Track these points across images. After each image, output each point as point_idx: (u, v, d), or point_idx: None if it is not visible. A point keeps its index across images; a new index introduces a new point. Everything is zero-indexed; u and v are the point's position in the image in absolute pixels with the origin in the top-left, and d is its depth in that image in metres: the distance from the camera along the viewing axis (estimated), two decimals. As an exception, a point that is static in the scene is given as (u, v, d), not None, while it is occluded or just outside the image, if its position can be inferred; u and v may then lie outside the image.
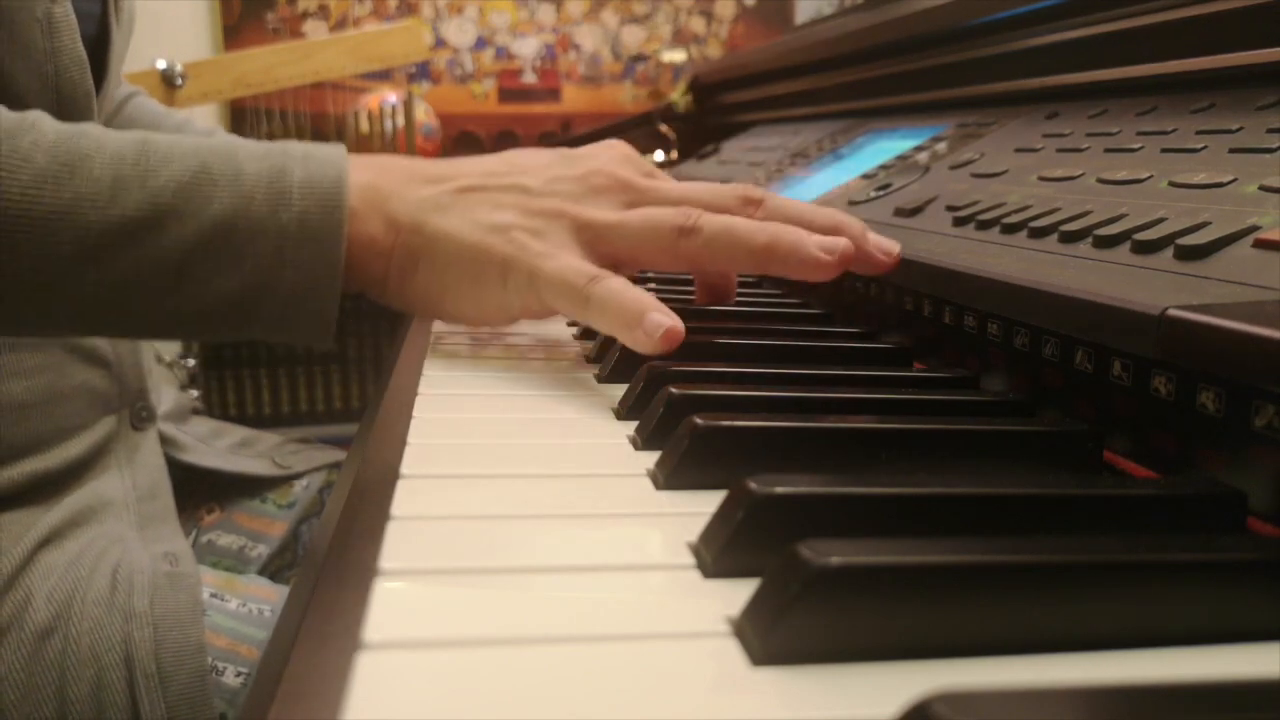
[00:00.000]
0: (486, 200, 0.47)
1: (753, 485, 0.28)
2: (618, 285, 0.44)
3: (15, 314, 0.44)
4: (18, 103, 0.61)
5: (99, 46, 0.71)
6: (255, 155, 0.46)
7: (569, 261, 0.45)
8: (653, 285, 0.71)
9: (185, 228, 0.43)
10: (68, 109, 0.64)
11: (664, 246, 0.46)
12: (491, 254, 0.45)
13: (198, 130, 0.99)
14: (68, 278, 0.43)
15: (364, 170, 0.48)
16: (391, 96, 2.06)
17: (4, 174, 0.42)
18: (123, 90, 0.94)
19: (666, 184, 0.50)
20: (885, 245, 0.49)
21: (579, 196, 0.47)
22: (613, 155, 0.51)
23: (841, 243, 0.46)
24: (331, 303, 0.46)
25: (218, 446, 0.86)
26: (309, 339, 0.47)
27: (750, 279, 0.78)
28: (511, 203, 0.47)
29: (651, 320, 0.42)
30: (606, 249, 0.47)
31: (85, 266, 0.43)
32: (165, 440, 0.78)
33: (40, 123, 0.45)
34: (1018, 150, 0.63)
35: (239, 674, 0.62)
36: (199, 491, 0.84)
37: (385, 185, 0.47)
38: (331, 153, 0.48)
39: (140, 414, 0.74)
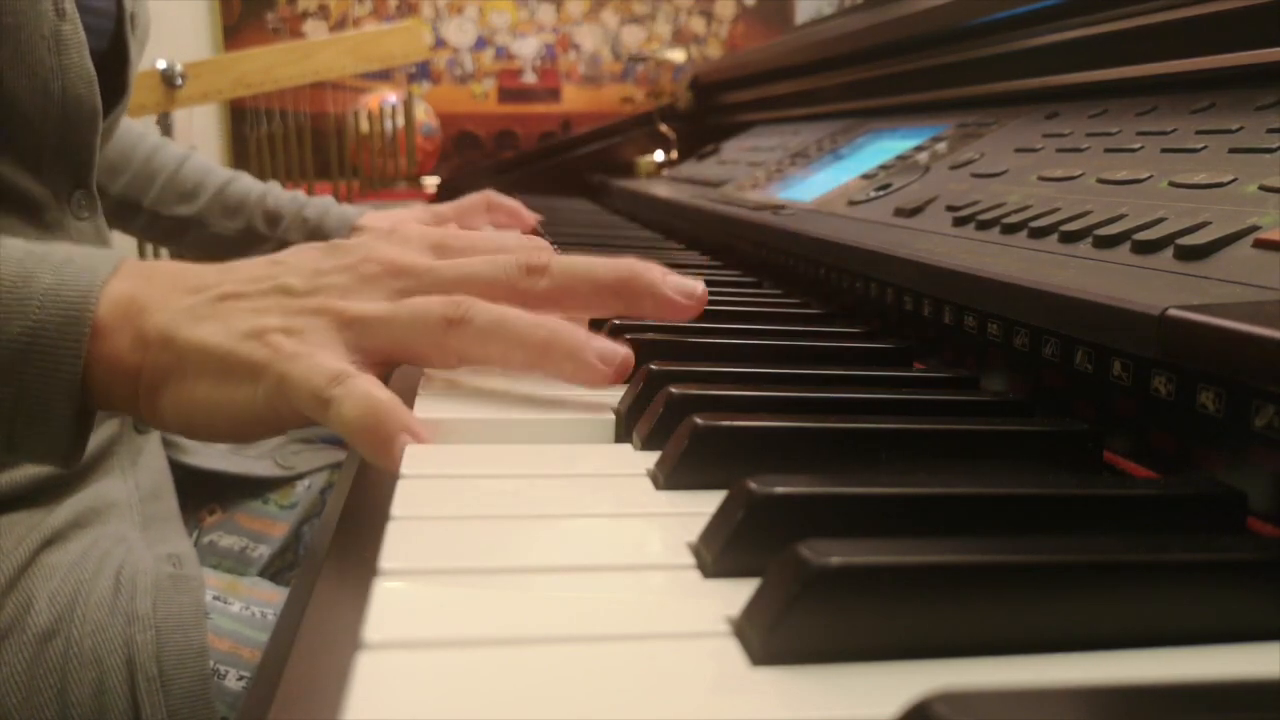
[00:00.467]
0: (246, 305, 0.42)
1: (753, 485, 0.28)
2: (362, 388, 0.37)
3: None
4: (23, 121, 0.61)
5: (114, 60, 0.71)
6: (12, 259, 0.42)
7: (319, 361, 0.39)
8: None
9: None
10: (73, 127, 0.65)
11: (434, 341, 0.41)
12: (241, 360, 0.40)
13: (173, 154, 0.99)
14: None
15: (127, 280, 0.43)
16: (391, 96, 2.06)
17: None
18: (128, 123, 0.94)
19: (448, 264, 0.45)
20: (686, 288, 0.45)
21: (346, 289, 0.43)
22: (398, 236, 0.46)
23: (621, 353, 0.42)
24: (65, 426, 0.42)
25: (220, 448, 0.86)
26: (48, 461, 0.43)
27: (750, 279, 0.78)
28: (272, 305, 0.42)
29: (395, 423, 0.37)
30: (373, 344, 0.41)
31: None
32: (168, 443, 0.79)
33: None
34: (1018, 150, 0.63)
35: (241, 677, 0.62)
36: (201, 493, 0.84)
37: (144, 297, 0.42)
38: (95, 260, 0.43)
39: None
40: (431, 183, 2.02)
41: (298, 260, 0.45)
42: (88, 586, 0.61)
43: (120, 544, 0.66)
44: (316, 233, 0.97)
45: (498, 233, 0.69)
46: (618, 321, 0.55)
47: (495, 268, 0.44)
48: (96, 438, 0.69)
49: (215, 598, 0.66)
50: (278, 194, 1.00)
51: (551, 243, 0.90)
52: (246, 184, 1.00)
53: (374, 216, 0.99)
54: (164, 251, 1.55)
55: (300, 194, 1.03)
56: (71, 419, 0.42)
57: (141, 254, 1.87)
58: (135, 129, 1.01)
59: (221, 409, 0.41)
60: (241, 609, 0.66)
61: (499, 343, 0.41)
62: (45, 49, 0.61)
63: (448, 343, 0.41)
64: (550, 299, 0.44)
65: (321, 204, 1.01)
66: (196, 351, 0.41)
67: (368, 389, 0.37)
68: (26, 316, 0.41)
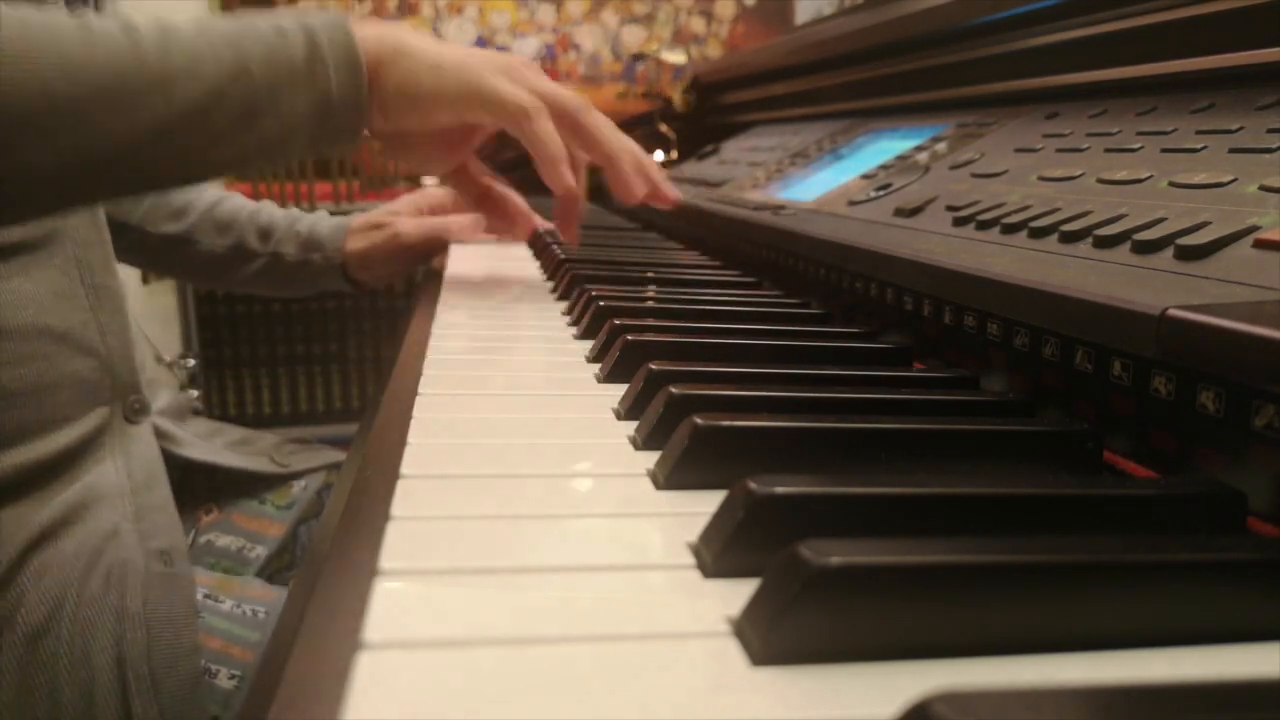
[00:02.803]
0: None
1: (753, 485, 0.28)
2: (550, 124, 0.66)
3: (142, 163, 0.54)
4: None
5: None
6: (282, 16, 0.59)
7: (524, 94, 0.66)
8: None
9: (272, 66, 0.56)
10: None
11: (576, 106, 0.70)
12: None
13: None
14: (199, 117, 0.54)
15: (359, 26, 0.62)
16: (391, 96, 2.06)
17: (132, 48, 0.52)
18: None
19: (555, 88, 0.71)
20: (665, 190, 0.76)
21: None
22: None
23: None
24: (365, 105, 0.60)
25: (215, 444, 0.86)
26: (353, 137, 0.61)
27: (750, 279, 0.78)
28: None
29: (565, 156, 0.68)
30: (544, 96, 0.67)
31: (215, 107, 0.54)
32: (162, 435, 0.78)
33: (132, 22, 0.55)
34: (1018, 150, 0.63)
35: (232, 676, 0.62)
36: (197, 490, 0.83)
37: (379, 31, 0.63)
38: (331, 18, 0.61)
39: (133, 406, 0.74)
40: (431, 183, 2.02)
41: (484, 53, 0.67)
42: (79, 585, 0.61)
43: (111, 540, 0.66)
44: (310, 243, 0.97)
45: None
46: (618, 322, 0.55)
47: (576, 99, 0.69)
48: (83, 426, 0.69)
49: (207, 596, 0.65)
50: (270, 210, 1.00)
51: (551, 244, 0.90)
52: (238, 201, 1.00)
53: (363, 217, 1.00)
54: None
55: (294, 210, 1.03)
56: (365, 100, 0.60)
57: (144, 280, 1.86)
58: None
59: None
60: (233, 607, 0.66)
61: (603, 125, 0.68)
62: None
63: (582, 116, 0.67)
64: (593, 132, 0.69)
65: (314, 216, 1.01)
66: (423, 52, 0.63)
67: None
68: (321, 50, 0.58)
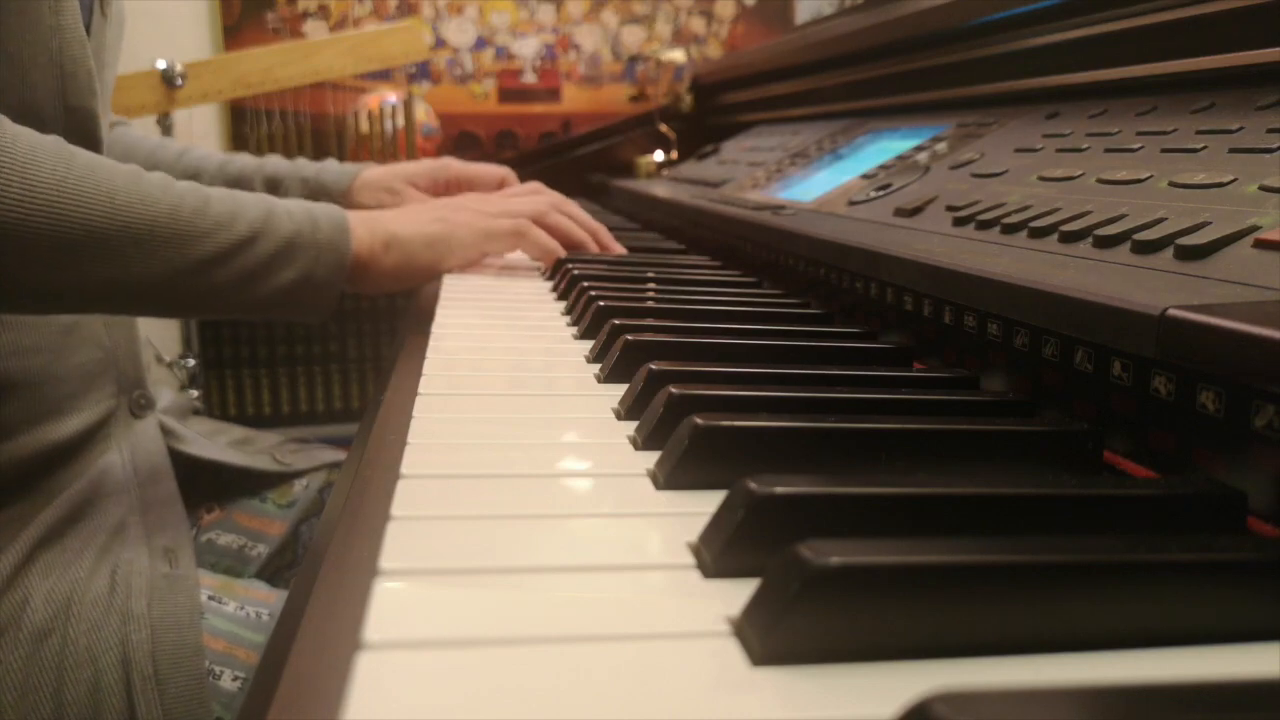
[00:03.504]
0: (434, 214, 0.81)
1: (753, 485, 0.28)
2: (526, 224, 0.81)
3: (150, 297, 0.62)
4: (24, 75, 0.62)
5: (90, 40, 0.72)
6: (289, 202, 0.69)
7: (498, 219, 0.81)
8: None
9: (270, 243, 0.65)
10: (71, 84, 0.65)
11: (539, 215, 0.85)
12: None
13: (173, 148, 1.00)
14: (198, 275, 0.62)
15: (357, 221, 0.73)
16: (391, 96, 2.06)
17: (169, 204, 0.61)
18: (110, 119, 0.94)
19: (523, 199, 0.88)
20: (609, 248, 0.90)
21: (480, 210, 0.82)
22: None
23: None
24: (340, 288, 0.70)
25: (218, 443, 0.86)
26: (321, 316, 0.70)
27: (750, 279, 0.78)
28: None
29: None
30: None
31: (213, 268, 0.62)
32: (166, 432, 0.79)
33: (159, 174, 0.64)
34: (1018, 150, 0.63)
35: (236, 677, 0.62)
36: (200, 489, 0.83)
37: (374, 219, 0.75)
38: (326, 205, 0.72)
39: (139, 401, 0.74)
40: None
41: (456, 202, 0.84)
42: (83, 585, 0.61)
43: (117, 536, 0.66)
44: (317, 189, 0.98)
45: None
46: (618, 322, 0.55)
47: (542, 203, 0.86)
48: (89, 416, 0.70)
49: (210, 598, 0.65)
50: (275, 162, 1.01)
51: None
52: (244, 159, 1.01)
53: (376, 173, 0.99)
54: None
55: (300, 159, 1.03)
56: (341, 286, 0.69)
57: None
58: (134, 131, 1.01)
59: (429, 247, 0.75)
60: (236, 609, 0.66)
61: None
62: (46, 8, 0.64)
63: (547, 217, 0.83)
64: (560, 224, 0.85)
65: (318, 164, 1.01)
66: (413, 236, 0.74)
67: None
68: (319, 229, 0.68)
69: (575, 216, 0.87)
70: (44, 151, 0.57)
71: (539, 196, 0.88)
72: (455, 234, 0.77)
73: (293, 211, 0.68)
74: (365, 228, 0.72)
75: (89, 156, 0.59)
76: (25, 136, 0.57)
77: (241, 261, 0.64)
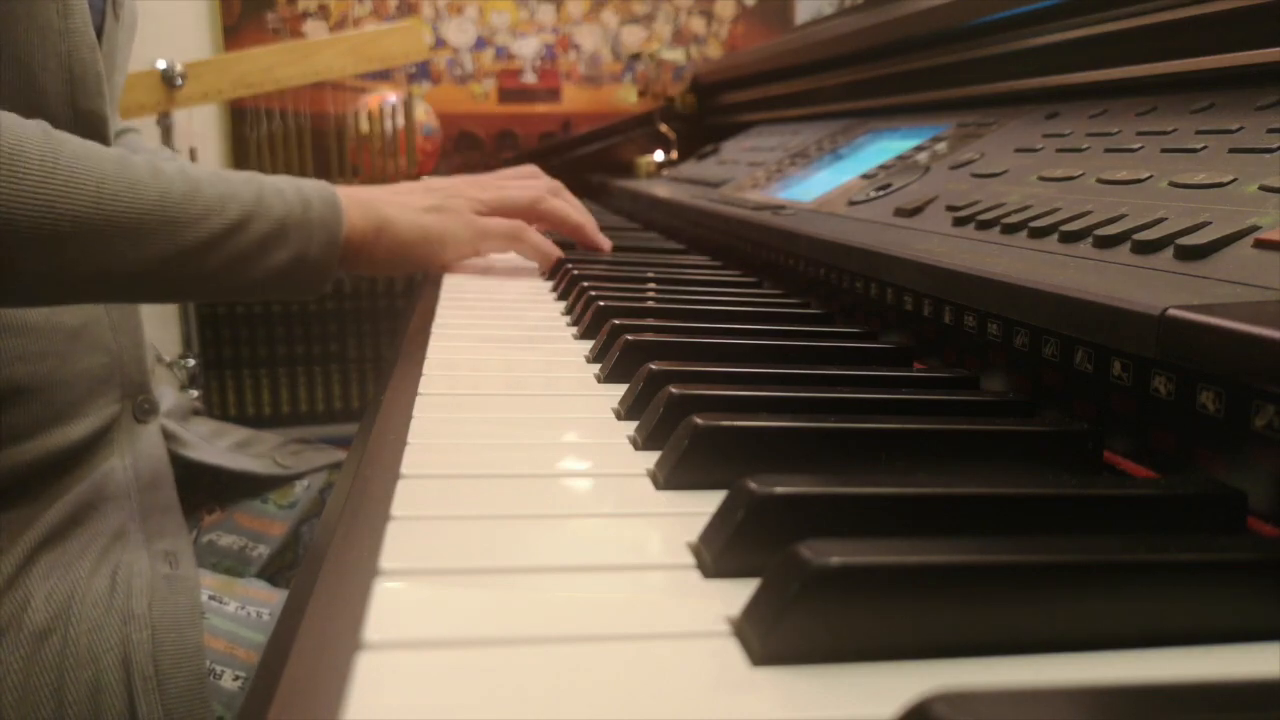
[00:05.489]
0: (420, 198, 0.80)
1: (753, 485, 0.28)
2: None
3: (140, 284, 0.62)
4: (32, 79, 0.62)
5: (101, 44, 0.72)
6: (280, 180, 0.69)
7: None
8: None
9: (261, 225, 0.65)
10: (80, 88, 0.65)
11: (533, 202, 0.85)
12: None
13: (163, 158, 1.00)
14: (190, 262, 0.62)
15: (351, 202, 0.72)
16: (391, 96, 2.06)
17: (158, 190, 0.60)
18: (117, 124, 0.94)
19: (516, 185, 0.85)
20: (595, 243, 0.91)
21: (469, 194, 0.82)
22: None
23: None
24: (334, 268, 0.70)
25: (219, 445, 0.86)
26: (315, 292, 0.70)
27: (750, 279, 0.78)
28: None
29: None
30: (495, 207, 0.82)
31: (205, 254, 0.62)
32: (168, 436, 0.79)
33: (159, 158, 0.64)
34: (1018, 150, 0.63)
35: (236, 677, 0.62)
36: (200, 491, 0.83)
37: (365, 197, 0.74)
38: (317, 182, 0.71)
39: (142, 406, 0.74)
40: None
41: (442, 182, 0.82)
42: (84, 585, 0.61)
43: (118, 539, 0.66)
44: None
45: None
46: (618, 322, 0.55)
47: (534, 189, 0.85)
48: (94, 421, 0.70)
49: (211, 598, 0.65)
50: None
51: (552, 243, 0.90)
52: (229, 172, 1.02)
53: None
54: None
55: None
56: (335, 263, 0.69)
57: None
58: (144, 143, 1.01)
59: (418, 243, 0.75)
60: (237, 609, 0.66)
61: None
62: (54, 11, 0.64)
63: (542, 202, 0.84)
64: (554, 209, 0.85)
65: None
66: (408, 226, 0.74)
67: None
68: (311, 208, 0.68)
69: (571, 204, 0.87)
70: (31, 141, 0.56)
71: (536, 181, 0.87)
72: (449, 230, 0.76)
73: (283, 190, 0.67)
74: (359, 209, 0.71)
75: (76, 144, 0.59)
76: (10, 124, 0.56)
77: (233, 246, 0.63)
